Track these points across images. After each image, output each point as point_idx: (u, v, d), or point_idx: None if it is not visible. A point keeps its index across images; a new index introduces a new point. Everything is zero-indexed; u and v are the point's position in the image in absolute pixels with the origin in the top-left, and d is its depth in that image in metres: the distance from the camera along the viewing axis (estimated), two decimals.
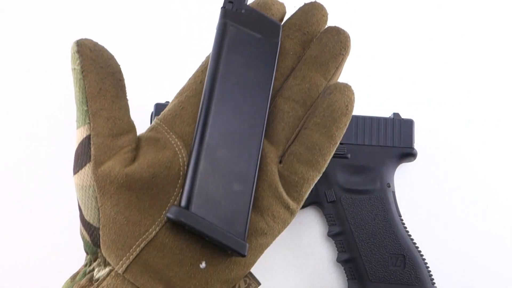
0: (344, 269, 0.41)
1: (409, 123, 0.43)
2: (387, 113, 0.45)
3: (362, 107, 0.48)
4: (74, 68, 0.27)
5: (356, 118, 0.43)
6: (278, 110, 0.28)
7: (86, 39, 0.27)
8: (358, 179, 0.42)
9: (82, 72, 0.26)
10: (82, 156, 0.26)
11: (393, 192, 0.42)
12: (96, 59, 0.27)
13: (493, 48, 0.51)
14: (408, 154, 0.42)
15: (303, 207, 0.43)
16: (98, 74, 0.26)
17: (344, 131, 0.28)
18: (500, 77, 0.50)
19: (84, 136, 0.26)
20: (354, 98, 0.28)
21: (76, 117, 0.27)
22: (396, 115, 0.44)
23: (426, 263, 0.40)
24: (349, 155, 0.42)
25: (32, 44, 0.51)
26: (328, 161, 0.28)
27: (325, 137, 0.27)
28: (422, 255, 0.40)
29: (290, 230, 0.45)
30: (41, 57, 0.50)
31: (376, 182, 0.41)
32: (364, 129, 0.43)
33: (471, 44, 0.51)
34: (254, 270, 0.41)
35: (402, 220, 0.41)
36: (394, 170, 0.43)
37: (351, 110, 0.28)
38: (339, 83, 0.28)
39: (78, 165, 0.26)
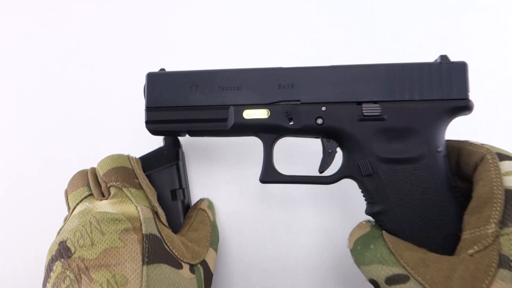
0: None
1: (461, 67, 0.34)
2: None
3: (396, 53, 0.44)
4: None
5: (392, 66, 0.34)
6: None
7: None
8: (398, 145, 0.34)
9: None
10: None
11: (445, 157, 0.33)
12: None
13: (493, 48, 0.48)
14: (462, 107, 0.33)
15: (336, 181, 0.36)
16: None
17: None
18: (500, 77, 0.47)
19: None
20: None
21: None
22: (443, 58, 0.34)
23: None
24: (385, 116, 0.34)
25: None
26: None
27: None
28: None
29: (288, 229, 0.45)
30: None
31: (422, 147, 0.33)
32: (402, 81, 0.34)
33: (471, 44, 0.48)
34: (255, 269, 0.44)
35: (457, 192, 0.33)
36: (445, 130, 0.34)
37: None
38: None
39: None
